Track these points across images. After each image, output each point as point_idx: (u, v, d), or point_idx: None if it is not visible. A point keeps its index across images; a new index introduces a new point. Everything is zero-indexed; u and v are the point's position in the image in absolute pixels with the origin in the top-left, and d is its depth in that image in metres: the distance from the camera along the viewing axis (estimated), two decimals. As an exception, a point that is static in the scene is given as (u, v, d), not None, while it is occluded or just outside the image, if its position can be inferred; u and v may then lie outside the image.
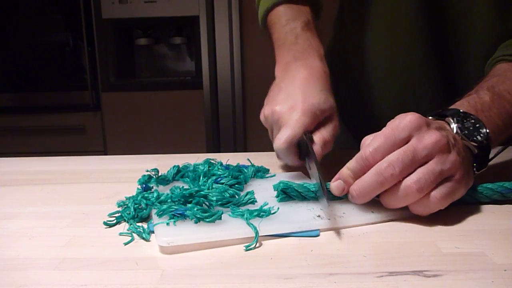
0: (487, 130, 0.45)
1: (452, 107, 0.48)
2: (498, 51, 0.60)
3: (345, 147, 0.67)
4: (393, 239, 0.39)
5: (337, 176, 0.43)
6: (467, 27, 0.66)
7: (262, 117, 0.56)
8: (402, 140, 0.41)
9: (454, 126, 0.44)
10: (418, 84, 0.72)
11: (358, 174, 0.42)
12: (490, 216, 0.43)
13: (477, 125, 0.45)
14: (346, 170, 0.43)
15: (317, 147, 0.50)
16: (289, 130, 0.50)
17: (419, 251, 0.36)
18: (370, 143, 0.42)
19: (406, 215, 0.43)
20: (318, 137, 0.51)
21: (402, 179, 0.40)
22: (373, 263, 0.35)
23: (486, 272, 0.33)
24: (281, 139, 0.50)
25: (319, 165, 0.46)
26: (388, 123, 0.43)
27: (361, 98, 0.79)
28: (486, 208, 0.45)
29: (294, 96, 0.53)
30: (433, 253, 0.36)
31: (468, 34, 0.66)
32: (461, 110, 0.46)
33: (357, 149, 0.44)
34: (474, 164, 0.45)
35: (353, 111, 0.81)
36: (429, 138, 0.41)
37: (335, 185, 0.43)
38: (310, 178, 0.52)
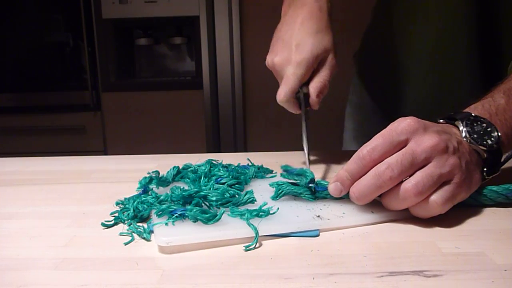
0: (499, 134, 0.44)
1: (465, 110, 0.47)
2: None
3: None
4: (393, 239, 0.39)
5: (334, 178, 0.43)
6: None
7: (266, 63, 0.62)
8: (400, 142, 0.41)
9: (462, 129, 0.44)
10: (458, 75, 0.71)
11: (356, 175, 0.42)
12: (490, 216, 0.43)
13: (489, 129, 0.44)
14: (343, 172, 0.43)
15: (312, 97, 0.58)
16: (285, 86, 0.57)
17: (419, 251, 0.36)
18: (368, 143, 0.42)
19: (406, 215, 0.42)
20: (313, 87, 0.58)
21: (402, 182, 0.40)
22: (373, 263, 0.35)
23: (486, 272, 0.33)
24: (280, 94, 0.58)
25: (306, 121, 0.58)
26: (389, 125, 0.43)
27: (398, 87, 0.79)
28: (487, 209, 0.45)
29: (289, 46, 0.58)
30: (433, 253, 0.36)
31: None
32: (472, 114, 0.45)
33: None
34: (485, 169, 0.44)
35: (389, 99, 0.81)
36: (428, 141, 0.40)
37: (332, 187, 0.43)
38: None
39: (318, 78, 0.58)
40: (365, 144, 0.42)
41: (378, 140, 0.41)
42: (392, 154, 0.41)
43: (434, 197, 0.40)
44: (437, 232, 0.40)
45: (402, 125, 0.41)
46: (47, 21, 2.12)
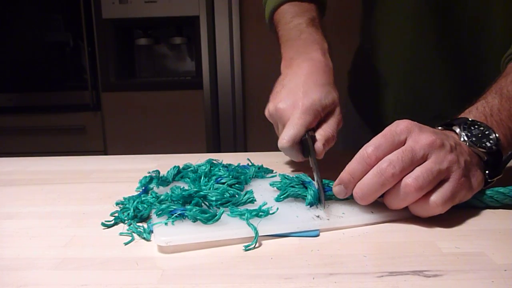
0: (497, 135, 0.45)
1: (461, 115, 0.48)
2: (511, 49, 0.59)
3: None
4: (393, 239, 0.39)
5: (337, 181, 0.43)
6: (484, 24, 0.66)
7: (266, 113, 0.58)
8: (400, 142, 0.42)
9: (461, 133, 0.44)
10: (430, 82, 0.72)
11: (359, 175, 0.42)
12: (490, 216, 0.43)
13: (486, 132, 0.45)
14: (345, 174, 0.43)
15: (318, 145, 0.52)
16: (291, 130, 0.52)
17: (419, 251, 0.36)
18: (369, 143, 0.42)
19: (406, 215, 0.43)
20: (321, 134, 0.53)
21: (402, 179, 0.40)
22: (373, 263, 0.35)
23: (486, 272, 0.33)
24: (284, 139, 0.52)
25: (317, 167, 0.48)
26: (385, 128, 0.43)
27: (377, 96, 0.80)
28: (487, 209, 0.45)
29: (296, 93, 0.54)
30: (433, 253, 0.36)
31: (485, 31, 0.66)
32: (469, 119, 0.46)
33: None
34: (487, 172, 0.44)
35: (372, 111, 0.82)
36: (425, 139, 0.41)
37: (336, 190, 0.43)
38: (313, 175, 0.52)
39: (326, 127, 0.54)
40: (366, 145, 0.42)
41: (381, 140, 0.42)
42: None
43: (433, 197, 0.40)
44: (437, 232, 0.40)
45: (401, 126, 0.42)
46: (47, 21, 2.12)
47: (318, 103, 0.53)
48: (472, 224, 0.41)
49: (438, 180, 0.40)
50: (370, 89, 0.82)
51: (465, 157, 0.42)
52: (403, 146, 0.41)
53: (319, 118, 0.54)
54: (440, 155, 0.41)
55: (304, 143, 0.53)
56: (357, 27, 0.85)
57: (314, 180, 0.46)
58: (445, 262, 0.34)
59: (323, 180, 0.46)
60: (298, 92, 0.54)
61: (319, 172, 0.47)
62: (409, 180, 0.40)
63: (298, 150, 0.53)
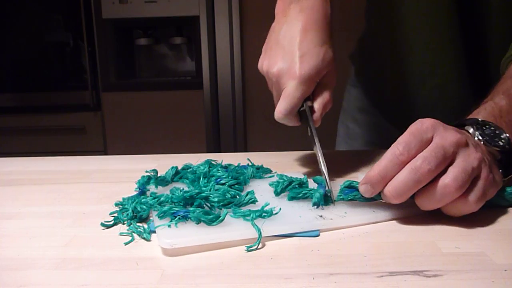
0: (507, 135, 0.45)
1: (470, 116, 0.48)
2: (511, 50, 0.59)
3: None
4: (393, 239, 0.39)
5: (364, 179, 0.42)
6: (493, 21, 0.65)
7: (259, 67, 0.56)
8: (428, 140, 0.41)
9: (474, 133, 0.45)
10: (443, 69, 0.72)
11: (389, 174, 0.41)
12: (490, 216, 0.43)
13: (497, 132, 0.45)
14: (375, 173, 0.41)
15: (317, 115, 0.53)
16: (288, 102, 0.51)
17: (419, 251, 0.36)
18: (399, 141, 0.41)
19: (408, 214, 0.43)
20: (318, 103, 0.53)
21: (437, 179, 0.40)
22: (373, 263, 0.35)
23: (486, 272, 0.33)
24: (281, 111, 0.52)
25: (318, 138, 0.50)
26: (410, 127, 0.42)
27: (397, 89, 0.79)
28: (487, 209, 0.45)
29: (292, 56, 0.52)
30: (433, 253, 0.36)
31: (494, 30, 0.66)
32: (479, 119, 0.46)
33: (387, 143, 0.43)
34: (500, 171, 0.44)
35: (387, 100, 0.81)
36: (452, 136, 0.41)
37: (363, 189, 0.42)
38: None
39: (322, 93, 0.54)
40: (396, 143, 0.41)
41: (410, 137, 0.41)
42: (423, 150, 0.41)
43: (469, 196, 0.40)
44: (437, 232, 0.40)
45: (426, 124, 0.42)
46: (47, 21, 2.12)
47: (315, 70, 0.52)
48: (472, 224, 0.41)
49: (472, 177, 0.40)
50: (386, 75, 0.80)
51: (486, 155, 0.42)
52: (430, 143, 0.41)
53: (315, 84, 0.53)
54: (467, 153, 0.41)
55: (301, 113, 0.53)
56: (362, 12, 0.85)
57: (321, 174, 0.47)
58: (445, 262, 0.34)
59: (348, 181, 0.45)
60: (293, 56, 0.52)
61: (319, 143, 0.49)
62: (448, 180, 0.39)
63: (294, 119, 0.54)
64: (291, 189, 0.46)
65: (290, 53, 0.53)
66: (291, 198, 0.46)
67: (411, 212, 0.42)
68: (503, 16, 0.63)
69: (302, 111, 0.53)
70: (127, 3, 1.92)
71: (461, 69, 0.71)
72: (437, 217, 0.41)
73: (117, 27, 2.03)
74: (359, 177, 0.50)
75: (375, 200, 0.44)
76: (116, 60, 2.05)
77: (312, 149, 0.51)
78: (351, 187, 0.44)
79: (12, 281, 0.33)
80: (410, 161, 0.40)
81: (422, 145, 0.41)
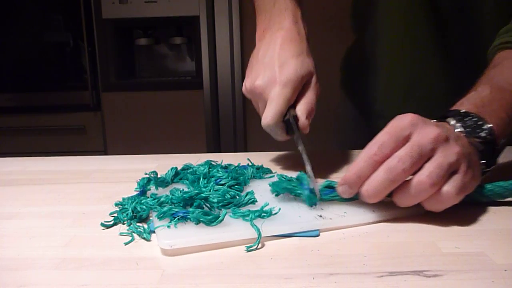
0: (490, 125, 0.45)
1: (453, 108, 0.48)
2: (497, 39, 0.60)
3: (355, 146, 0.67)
4: (393, 239, 0.39)
5: (341, 181, 0.43)
6: (477, 19, 0.66)
7: (244, 90, 0.59)
8: (404, 137, 0.41)
9: (455, 124, 0.45)
10: (427, 79, 0.72)
11: (365, 174, 0.41)
12: (490, 216, 0.43)
13: (479, 123, 0.45)
14: (351, 174, 0.42)
15: (302, 120, 0.54)
16: (273, 107, 0.53)
17: (419, 251, 0.36)
18: (374, 141, 0.42)
19: (407, 213, 0.43)
20: (302, 110, 0.55)
21: (412, 175, 0.40)
22: (373, 263, 0.35)
23: (486, 272, 0.33)
24: (267, 117, 0.53)
25: (304, 146, 0.51)
26: (388, 124, 0.43)
27: (367, 81, 0.80)
28: (486, 208, 0.45)
29: (272, 68, 0.55)
30: (433, 253, 0.36)
31: (480, 28, 0.67)
32: (461, 110, 0.46)
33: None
34: (484, 161, 0.44)
35: (366, 109, 0.82)
36: (431, 133, 0.41)
37: (341, 190, 0.43)
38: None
39: (305, 100, 0.55)
40: (371, 143, 0.42)
41: (385, 137, 0.41)
42: (399, 149, 0.41)
43: (446, 188, 0.40)
44: (437, 232, 0.40)
45: (404, 120, 0.42)
46: (47, 21, 2.12)
47: (295, 75, 0.54)
48: (472, 224, 0.41)
49: (448, 173, 0.40)
50: (359, 73, 0.82)
51: (467, 148, 0.42)
52: (407, 141, 0.41)
53: (298, 90, 0.55)
54: (447, 148, 0.40)
55: (286, 123, 0.54)
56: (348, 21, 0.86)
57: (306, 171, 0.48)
58: (445, 262, 0.34)
59: (328, 181, 0.46)
60: (273, 67, 0.55)
61: (306, 150, 0.50)
62: (422, 177, 0.39)
63: (282, 128, 0.55)
64: (278, 183, 0.46)
65: (270, 65, 0.55)
66: (276, 192, 0.46)
67: (411, 212, 0.42)
68: (496, 29, 0.64)
69: (287, 121, 0.54)
70: (127, 3, 1.92)
71: (446, 81, 0.72)
72: (437, 217, 0.41)
73: (117, 27, 2.03)
74: (339, 177, 0.50)
75: (354, 200, 0.44)
76: (116, 60, 2.05)
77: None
78: (330, 187, 0.45)
79: (12, 281, 0.33)
80: (384, 160, 0.41)
81: (398, 144, 0.41)
